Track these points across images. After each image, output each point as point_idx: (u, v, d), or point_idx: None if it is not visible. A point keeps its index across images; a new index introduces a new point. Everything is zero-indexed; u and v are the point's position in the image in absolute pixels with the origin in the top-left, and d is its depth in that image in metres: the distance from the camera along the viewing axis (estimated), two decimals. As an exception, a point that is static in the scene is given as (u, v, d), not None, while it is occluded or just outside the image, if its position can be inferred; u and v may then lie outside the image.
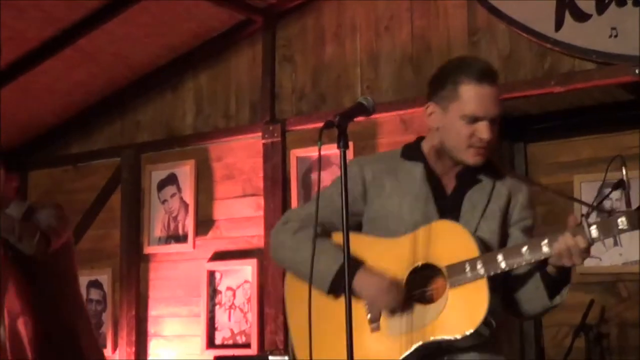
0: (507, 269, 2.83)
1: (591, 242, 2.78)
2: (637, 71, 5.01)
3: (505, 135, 6.15)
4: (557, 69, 5.26)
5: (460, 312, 2.83)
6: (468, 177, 3.01)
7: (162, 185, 6.62)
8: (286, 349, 5.80)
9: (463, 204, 2.99)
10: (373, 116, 5.57)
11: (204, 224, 6.40)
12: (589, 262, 5.81)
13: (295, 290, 3.11)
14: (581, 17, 5.12)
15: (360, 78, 5.92)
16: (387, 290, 2.90)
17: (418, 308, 2.90)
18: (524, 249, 2.82)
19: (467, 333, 2.81)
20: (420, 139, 3.13)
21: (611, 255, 5.85)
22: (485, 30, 5.50)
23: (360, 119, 4.89)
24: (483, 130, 2.90)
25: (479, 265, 2.83)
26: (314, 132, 2.97)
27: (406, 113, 5.68)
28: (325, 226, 3.04)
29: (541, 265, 2.89)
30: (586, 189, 5.81)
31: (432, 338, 2.84)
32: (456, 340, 2.83)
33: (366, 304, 2.98)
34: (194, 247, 6.39)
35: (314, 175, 5.91)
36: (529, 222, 3.08)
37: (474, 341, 2.87)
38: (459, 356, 2.91)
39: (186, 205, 6.47)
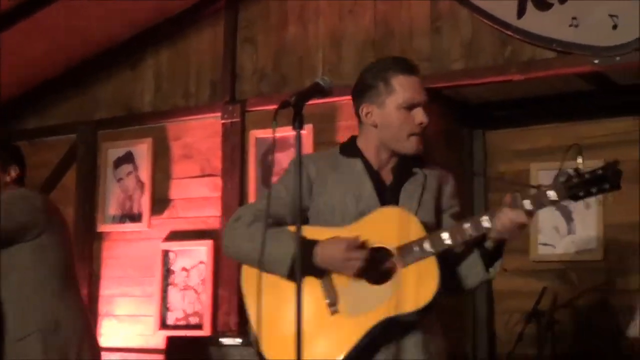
0: (452, 244, 3.03)
1: (527, 213, 2.97)
2: (596, 61, 5.04)
3: (464, 122, 6.20)
4: (518, 57, 5.28)
5: (414, 288, 3.00)
6: (403, 170, 3.25)
7: (118, 163, 6.56)
8: (240, 331, 5.79)
9: (400, 195, 3.21)
10: (333, 99, 5.67)
11: (159, 203, 6.35)
12: (542, 250, 5.95)
13: (253, 282, 3.17)
14: (543, 5, 5.13)
15: (322, 61, 5.89)
16: (352, 251, 3.03)
17: (373, 288, 3.05)
18: (467, 225, 3.02)
19: (423, 305, 2.98)
20: (355, 137, 3.35)
21: (564, 243, 5.92)
22: (447, 16, 5.50)
23: (320, 101, 4.92)
24: (420, 115, 3.19)
25: (427, 244, 3.02)
26: (273, 112, 2.97)
27: (367, 96, 5.67)
28: (277, 221, 3.19)
29: (477, 242, 3.10)
30: (543, 177, 5.86)
31: (390, 314, 3.00)
32: (413, 314, 3.00)
33: (323, 286, 3.10)
34: (149, 226, 6.35)
35: (276, 157, 5.88)
36: (457, 209, 3.33)
37: (421, 324, 3.09)
38: (406, 336, 3.09)
39: (142, 184, 6.42)
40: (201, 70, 6.35)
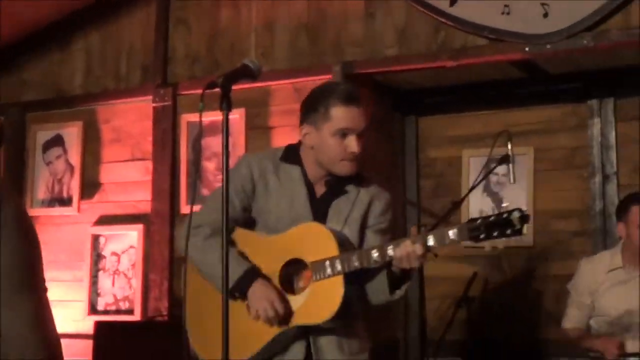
0: (359, 267, 3.23)
1: (428, 249, 3.15)
2: (527, 49, 5.09)
3: (397, 108, 6.21)
4: (450, 44, 5.30)
5: (319, 302, 3.27)
6: (337, 185, 3.43)
7: (47, 146, 6.46)
8: (170, 315, 5.76)
9: (330, 210, 3.41)
10: (266, 83, 5.64)
11: (89, 187, 6.27)
12: (473, 236, 5.96)
13: (196, 285, 3.47)
14: (476, -7, 5.17)
15: (255, 45, 5.85)
16: (270, 308, 3.26)
17: (289, 297, 3.33)
18: (374, 252, 3.22)
19: (325, 320, 3.25)
20: (297, 145, 3.49)
21: (496, 229, 5.95)
22: (381, 2, 5.50)
23: (253, 85, 4.89)
24: (352, 144, 3.33)
25: (337, 263, 3.24)
26: (206, 97, 2.95)
27: (300, 82, 5.65)
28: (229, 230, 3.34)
29: (388, 263, 3.28)
30: (474, 163, 5.91)
31: (295, 324, 3.30)
32: (317, 326, 3.28)
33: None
34: (78, 210, 6.26)
35: (204, 141, 5.85)
36: (384, 225, 3.50)
37: (335, 325, 3.29)
38: (322, 337, 3.35)
39: (72, 168, 6.33)
40: (132, 52, 6.27)
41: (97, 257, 6.15)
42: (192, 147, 5.89)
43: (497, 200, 5.98)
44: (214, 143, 5.70)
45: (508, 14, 5.10)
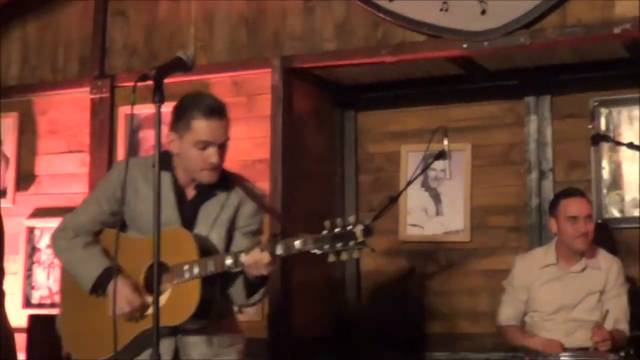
0: (215, 272, 3.40)
1: (275, 256, 3.34)
2: (464, 46, 5.12)
3: (336, 102, 6.21)
4: (389, 40, 5.32)
5: (177, 305, 3.41)
6: (206, 190, 3.57)
7: (-19, 138, 6.37)
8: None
9: (199, 213, 3.56)
10: (205, 76, 5.60)
11: (25, 179, 6.19)
12: (411, 231, 6.03)
13: (68, 285, 3.73)
14: (415, -11, 5.19)
15: (194, 37, 5.82)
16: (131, 303, 3.45)
17: (149, 298, 3.47)
18: (228, 258, 3.40)
19: (181, 322, 3.41)
20: (170, 152, 3.59)
21: (433, 224, 6.00)
22: (321, -4, 5.52)
23: (191, 78, 4.86)
24: (212, 155, 3.46)
25: (195, 268, 3.40)
26: (144, 90, 2.95)
27: (239, 75, 5.65)
28: (95, 233, 3.65)
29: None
30: (413, 158, 5.94)
31: (145, 329, 3.43)
32: (176, 326, 3.43)
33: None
34: (13, 202, 6.18)
35: (141, 133, 5.81)
36: (254, 227, 3.66)
37: (200, 324, 3.47)
38: (189, 334, 3.52)
39: (7, 159, 6.25)
40: (70, 43, 6.19)
41: (32, 250, 6.08)
42: (130, 140, 5.84)
43: (435, 195, 6.02)
44: (152, 135, 5.65)
45: (446, 10, 5.13)
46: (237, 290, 3.57)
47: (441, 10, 5.13)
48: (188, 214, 3.55)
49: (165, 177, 3.52)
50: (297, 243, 3.28)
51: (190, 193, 3.59)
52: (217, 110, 3.48)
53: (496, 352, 5.65)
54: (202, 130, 3.44)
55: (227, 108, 3.54)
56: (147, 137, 5.70)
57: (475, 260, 5.89)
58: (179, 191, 3.58)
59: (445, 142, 5.06)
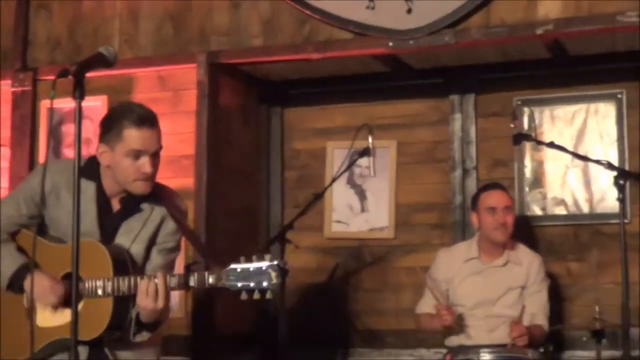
0: (127, 293, 3.35)
1: (188, 288, 3.32)
2: (390, 44, 5.15)
3: (263, 98, 6.20)
4: (316, 37, 5.33)
5: (88, 320, 3.32)
6: (131, 204, 3.53)
7: None
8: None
9: (120, 228, 3.52)
10: (130, 71, 5.55)
11: (-57, 173, 6.06)
12: (336, 227, 6.05)
13: None
14: (341, -13, 5.21)
15: (118, 31, 5.76)
16: (56, 293, 3.40)
17: (59, 309, 3.44)
18: (127, 280, 3.34)
19: (91, 338, 3.36)
20: (97, 159, 3.54)
21: (358, 221, 6.03)
22: (248, -8, 5.50)
23: (116, 72, 4.81)
24: (145, 165, 3.42)
25: (109, 286, 3.36)
26: (66, 83, 2.91)
27: (164, 70, 5.61)
28: (12, 234, 3.59)
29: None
30: (338, 155, 5.95)
31: (62, 336, 3.38)
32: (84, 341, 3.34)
33: (27, 296, 3.48)
34: None
35: (64, 128, 5.73)
36: (171, 244, 3.62)
37: (111, 337, 3.43)
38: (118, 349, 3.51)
39: None
40: (-9, 35, 6.08)
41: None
42: (52, 134, 5.76)
43: (360, 192, 6.05)
44: (71, 131, 5.59)
45: (373, 8, 5.15)
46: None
47: (367, 8, 5.16)
48: (110, 227, 3.51)
49: (89, 187, 3.50)
50: (211, 278, 3.26)
51: (116, 205, 3.55)
52: (148, 119, 3.44)
53: (419, 349, 5.71)
54: (134, 139, 3.40)
55: (157, 118, 3.50)
56: (70, 132, 5.62)
57: (400, 257, 5.94)
58: (105, 203, 3.53)
59: (370, 139, 5.09)
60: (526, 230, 5.58)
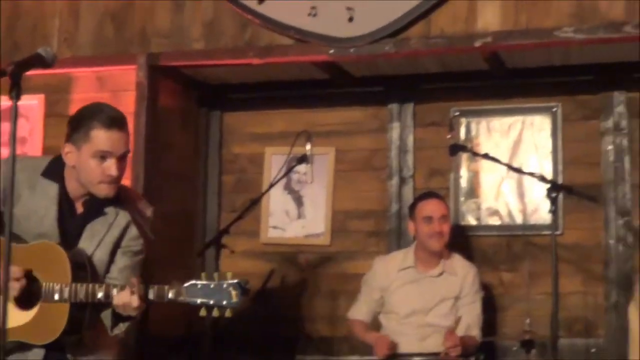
0: (84, 301, 3.30)
1: (147, 301, 3.28)
2: (331, 51, 5.18)
3: (202, 102, 6.19)
4: (257, 42, 5.34)
5: (43, 325, 3.32)
6: (95, 207, 3.47)
7: None
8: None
9: (84, 231, 3.45)
10: (68, 70, 5.49)
11: None
12: (272, 233, 6.05)
13: None
14: (284, -7, 5.22)
15: (58, 30, 5.70)
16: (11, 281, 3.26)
17: (14, 311, 3.32)
18: (100, 291, 3.29)
19: (44, 343, 3.32)
20: (60, 160, 3.46)
21: (294, 227, 6.04)
22: (190, -6, 5.49)
23: (54, 71, 4.75)
24: (111, 167, 3.37)
25: (66, 292, 3.30)
26: (3, 81, 2.87)
27: (103, 70, 5.58)
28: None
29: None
30: (276, 160, 5.95)
31: (17, 339, 3.31)
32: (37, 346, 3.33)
33: None
34: None
35: (2, 126, 5.65)
36: (136, 248, 3.54)
37: (66, 341, 3.37)
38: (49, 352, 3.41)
39: None
40: None
41: None
42: (-11, 132, 5.68)
43: (297, 198, 6.06)
44: (8, 130, 5.51)
45: (314, 15, 5.17)
46: (105, 316, 3.44)
47: (309, 15, 5.18)
48: (73, 230, 3.45)
49: (52, 188, 3.45)
50: (170, 293, 3.24)
51: (80, 208, 3.49)
52: (117, 121, 3.39)
53: (352, 356, 5.73)
54: (101, 141, 3.34)
55: (126, 120, 3.45)
56: (5, 130, 5.54)
57: (335, 263, 5.96)
58: (68, 205, 3.47)
59: (308, 146, 5.11)
60: (461, 240, 5.63)
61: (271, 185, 5.35)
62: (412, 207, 5.14)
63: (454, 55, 5.28)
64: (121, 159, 3.41)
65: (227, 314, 3.19)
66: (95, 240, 3.44)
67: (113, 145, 3.36)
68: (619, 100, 5.60)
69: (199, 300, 3.18)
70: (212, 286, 3.18)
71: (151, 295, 3.26)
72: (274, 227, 6.07)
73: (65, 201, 3.45)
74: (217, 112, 6.28)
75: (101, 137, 3.34)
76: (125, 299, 3.24)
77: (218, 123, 6.27)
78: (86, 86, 5.58)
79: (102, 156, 3.35)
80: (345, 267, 5.93)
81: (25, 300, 3.35)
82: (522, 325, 5.03)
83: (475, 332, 4.95)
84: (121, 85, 5.53)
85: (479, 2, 5.00)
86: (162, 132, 5.61)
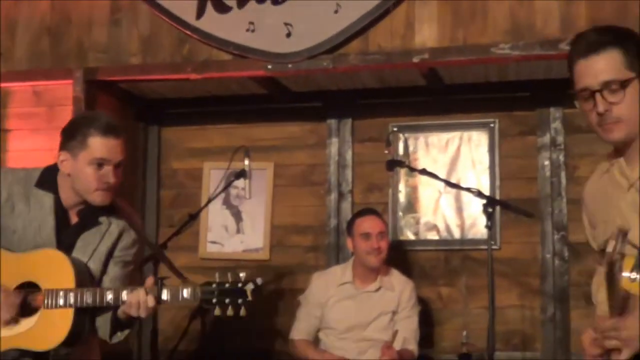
0: (92, 305, 3.29)
1: (160, 302, 3.27)
2: (269, 67, 5.18)
3: (140, 117, 6.15)
4: (195, 57, 5.32)
5: (46, 331, 3.30)
6: (89, 217, 3.47)
7: None
8: None
9: (78, 241, 3.45)
10: (4, 84, 5.41)
11: None
12: (211, 248, 6.03)
13: None
14: (222, 8, 5.22)
15: (-6, 44, 5.65)
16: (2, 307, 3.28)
17: (19, 319, 3.33)
18: (109, 294, 3.29)
19: (47, 349, 3.29)
20: (56, 169, 3.45)
21: (233, 242, 6.03)
22: (128, 9, 5.45)
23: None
24: (108, 175, 3.36)
25: (71, 297, 3.28)
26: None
27: (40, 84, 5.52)
28: None
29: (114, 308, 3.37)
30: (215, 175, 5.94)
31: (18, 346, 3.30)
32: (39, 353, 3.30)
33: None
34: None
35: None
36: (128, 258, 3.57)
37: (61, 352, 3.34)
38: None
39: None
40: None
41: None
42: None
43: (236, 213, 6.05)
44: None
45: (253, 31, 5.18)
46: (101, 325, 3.44)
47: (247, 30, 5.18)
48: (67, 240, 3.44)
49: (47, 199, 3.43)
50: (186, 292, 3.27)
51: (74, 218, 3.48)
52: (114, 129, 3.39)
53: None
54: (98, 148, 3.34)
55: (122, 128, 3.46)
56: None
57: (274, 278, 5.95)
58: (62, 214, 3.45)
59: (246, 161, 5.10)
60: (399, 255, 5.67)
61: (209, 201, 5.33)
62: (350, 224, 5.15)
63: (392, 71, 5.32)
64: (117, 167, 3.41)
65: (242, 312, 3.23)
66: (88, 250, 3.45)
67: (110, 152, 3.37)
68: (555, 117, 5.68)
69: (214, 300, 3.23)
70: (227, 285, 3.24)
71: (165, 295, 3.27)
72: (213, 242, 6.05)
73: (60, 211, 3.44)
74: (155, 127, 6.25)
75: (98, 144, 3.34)
76: (142, 297, 3.23)
77: (156, 138, 6.24)
78: (23, 101, 5.52)
79: (99, 163, 3.35)
80: (284, 282, 5.94)
81: (26, 308, 3.33)
82: (460, 339, 5.07)
83: (412, 346, 4.97)
84: (58, 100, 5.49)
85: (417, 19, 5.04)
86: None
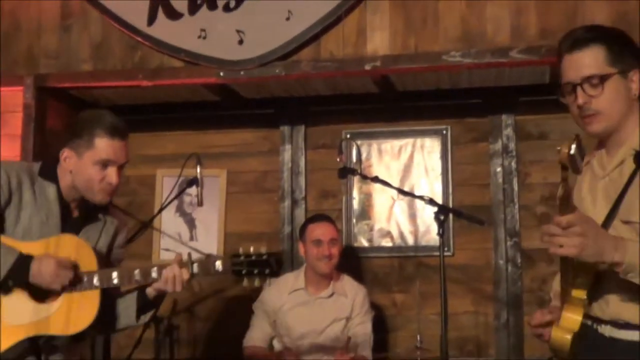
0: (118, 284, 3.34)
1: (192, 276, 3.38)
2: (221, 74, 5.17)
3: (91, 124, 6.09)
4: (147, 63, 5.30)
5: (72, 314, 3.29)
6: (89, 210, 3.50)
7: None
8: None
9: (81, 233, 3.45)
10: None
11: None
12: (164, 255, 6.01)
13: None
14: (173, 15, 5.20)
15: (-59, 50, 5.57)
16: (61, 269, 3.25)
17: (35, 304, 3.30)
18: (137, 272, 3.34)
19: (73, 333, 3.29)
20: (56, 160, 3.46)
21: (186, 249, 5.95)
22: (78, 15, 5.41)
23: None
24: (112, 176, 3.41)
25: (96, 278, 3.31)
26: None
27: (-11, 91, 5.46)
28: None
29: (139, 288, 3.44)
30: (168, 183, 5.91)
31: (43, 332, 3.28)
32: (62, 338, 3.30)
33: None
34: None
35: None
36: (121, 256, 3.65)
37: (67, 343, 3.37)
38: (51, 356, 3.37)
39: None
40: None
41: None
42: None
43: (190, 220, 6.03)
44: None
45: (204, 38, 5.16)
46: (124, 310, 3.48)
47: (199, 37, 5.16)
48: (71, 231, 3.43)
49: (51, 189, 3.43)
50: (218, 264, 3.37)
51: (75, 211, 3.49)
52: (120, 131, 3.43)
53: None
54: (105, 149, 3.37)
55: (128, 130, 3.48)
56: None
57: (227, 285, 5.93)
58: (65, 206, 3.46)
59: (198, 169, 5.08)
60: (353, 261, 5.68)
61: (162, 208, 5.30)
62: (302, 229, 5.15)
63: (344, 78, 5.33)
64: (120, 168, 3.45)
65: (268, 283, 3.52)
66: (90, 244, 3.44)
67: (116, 154, 3.40)
68: (507, 123, 5.72)
69: (244, 271, 3.35)
70: (253, 257, 3.35)
71: (196, 269, 3.37)
72: (166, 250, 6.02)
73: (62, 202, 3.45)
74: (107, 134, 6.19)
75: (105, 145, 3.37)
76: (177, 271, 3.32)
77: (110, 145, 6.18)
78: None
79: (104, 164, 3.38)
80: (238, 288, 5.90)
81: (40, 293, 3.31)
82: (413, 346, 5.07)
83: (366, 352, 4.98)
84: (8, 107, 5.43)
85: (369, 26, 5.05)
86: (51, 154, 5.50)
